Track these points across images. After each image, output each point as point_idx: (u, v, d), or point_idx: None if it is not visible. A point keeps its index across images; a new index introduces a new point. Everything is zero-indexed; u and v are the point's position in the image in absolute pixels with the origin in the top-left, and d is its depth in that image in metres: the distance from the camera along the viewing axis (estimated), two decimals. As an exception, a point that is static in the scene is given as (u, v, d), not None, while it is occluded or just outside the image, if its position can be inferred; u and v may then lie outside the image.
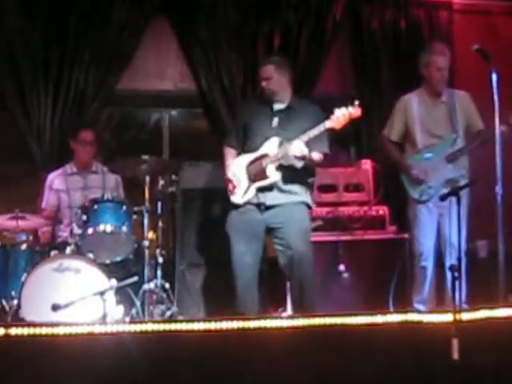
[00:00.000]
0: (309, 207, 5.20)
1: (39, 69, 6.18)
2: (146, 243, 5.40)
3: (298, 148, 4.90)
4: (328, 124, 4.90)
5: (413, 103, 5.42)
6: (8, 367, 3.59)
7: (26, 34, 6.14)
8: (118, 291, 4.88)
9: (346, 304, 5.53)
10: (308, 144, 4.92)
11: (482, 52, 4.74)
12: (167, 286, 5.44)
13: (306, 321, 3.93)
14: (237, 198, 5.14)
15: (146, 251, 5.40)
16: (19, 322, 4.64)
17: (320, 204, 5.83)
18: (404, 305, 5.36)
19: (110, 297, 4.78)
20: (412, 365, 3.78)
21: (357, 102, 4.90)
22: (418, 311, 4.78)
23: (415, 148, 5.40)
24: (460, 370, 3.68)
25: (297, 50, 6.61)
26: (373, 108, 6.45)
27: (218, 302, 5.49)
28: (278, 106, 5.20)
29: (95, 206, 5.27)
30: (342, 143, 6.57)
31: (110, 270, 5.06)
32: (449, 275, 4.54)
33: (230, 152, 5.31)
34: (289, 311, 5.44)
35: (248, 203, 5.10)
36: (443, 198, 4.47)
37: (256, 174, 5.08)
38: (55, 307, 4.75)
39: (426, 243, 5.33)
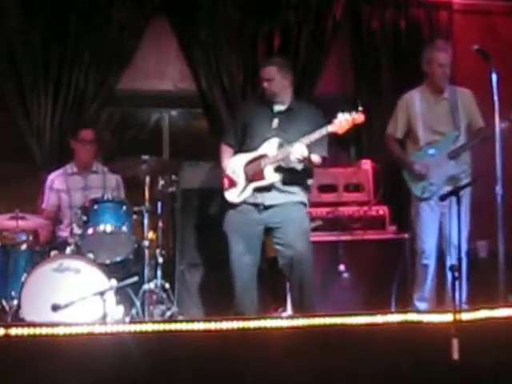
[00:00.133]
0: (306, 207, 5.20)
1: (39, 69, 6.17)
2: (146, 243, 5.40)
3: (299, 150, 4.91)
4: (331, 128, 4.92)
5: (415, 100, 5.43)
6: (8, 367, 3.59)
7: (25, 33, 6.14)
8: (118, 291, 4.88)
9: (345, 304, 5.53)
10: (308, 147, 4.93)
11: (482, 52, 4.74)
12: (167, 286, 5.44)
13: (306, 321, 3.94)
14: (233, 196, 5.14)
15: (146, 251, 5.39)
16: (19, 322, 4.63)
17: (320, 204, 5.84)
18: (405, 305, 5.36)
19: (110, 297, 4.78)
20: (412, 365, 3.79)
21: (360, 108, 4.91)
22: (418, 311, 4.79)
23: (417, 145, 5.41)
24: (460, 370, 3.68)
25: (297, 50, 6.60)
26: (373, 108, 6.44)
27: (218, 302, 5.48)
28: (278, 108, 5.20)
29: (95, 206, 5.27)
30: (342, 143, 6.57)
31: (110, 270, 5.06)
32: (449, 275, 4.54)
33: (227, 150, 5.31)
34: (289, 311, 5.44)
35: (245, 203, 5.10)
36: (443, 197, 4.47)
37: (254, 174, 5.09)
38: (55, 307, 4.74)
39: (427, 241, 5.33)
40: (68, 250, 5.15)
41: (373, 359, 3.78)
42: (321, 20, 6.67)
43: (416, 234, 5.42)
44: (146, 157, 5.44)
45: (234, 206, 5.14)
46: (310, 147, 4.95)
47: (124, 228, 5.25)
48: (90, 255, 5.08)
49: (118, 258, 5.27)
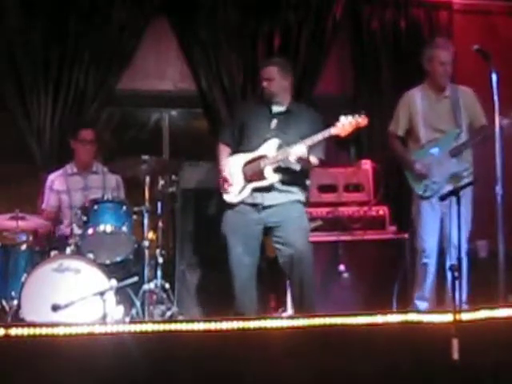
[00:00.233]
0: (304, 205, 5.21)
1: (39, 69, 6.18)
2: (146, 243, 5.40)
3: (299, 151, 4.91)
4: (333, 131, 4.93)
5: (416, 98, 5.43)
6: (8, 367, 3.59)
7: (26, 33, 6.14)
8: (118, 291, 4.88)
9: (345, 304, 5.53)
10: (307, 148, 4.94)
11: (482, 52, 4.74)
12: (167, 286, 5.44)
13: (306, 321, 3.94)
14: (230, 196, 5.13)
15: (146, 251, 5.39)
16: (19, 322, 4.63)
17: (320, 204, 5.84)
18: (405, 305, 5.36)
19: (110, 297, 4.78)
20: (412, 365, 3.79)
21: (364, 112, 4.94)
22: (418, 311, 4.79)
23: (418, 143, 5.41)
24: (460, 370, 3.68)
25: (297, 50, 6.60)
26: (373, 108, 6.44)
27: (218, 302, 5.48)
28: (277, 109, 5.20)
29: (95, 207, 5.27)
30: (342, 143, 6.55)
31: (110, 270, 5.06)
32: (449, 275, 4.54)
33: (224, 149, 5.30)
34: (289, 311, 5.44)
35: (243, 203, 5.10)
36: (443, 197, 4.47)
37: (253, 174, 5.08)
38: (55, 307, 4.74)
39: (428, 240, 5.33)
40: (68, 250, 5.15)
41: (373, 359, 3.78)
42: (321, 20, 6.67)
43: (417, 232, 5.42)
44: (146, 157, 5.44)
45: (231, 206, 5.14)
46: (309, 149, 4.95)
47: (124, 228, 5.25)
48: (90, 255, 5.08)
49: (118, 258, 5.27)
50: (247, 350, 3.77)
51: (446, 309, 4.09)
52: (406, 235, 5.72)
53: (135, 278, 4.97)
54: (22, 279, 4.91)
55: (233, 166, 5.16)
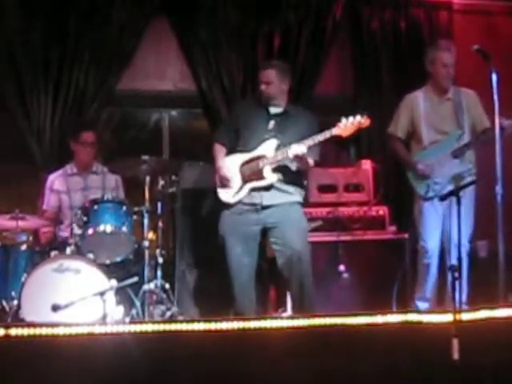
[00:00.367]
0: (302, 206, 5.22)
1: (39, 69, 6.18)
2: (146, 243, 5.40)
3: (299, 150, 4.91)
4: (335, 131, 4.93)
5: (419, 100, 5.44)
6: (8, 367, 3.59)
7: (25, 33, 6.14)
8: (118, 291, 4.88)
9: (345, 304, 5.53)
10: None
11: (482, 52, 4.74)
12: (167, 286, 5.44)
13: (306, 321, 3.93)
14: (227, 196, 5.13)
15: (146, 251, 5.39)
16: (19, 322, 4.63)
17: (320, 204, 5.84)
18: (405, 305, 5.36)
19: (110, 297, 4.77)
20: (412, 365, 3.78)
21: (366, 113, 4.94)
22: (418, 311, 4.79)
23: (421, 145, 5.41)
24: (460, 370, 3.68)
25: (297, 50, 6.61)
26: (373, 108, 6.44)
27: (218, 302, 5.48)
28: (274, 110, 5.20)
29: (95, 207, 5.26)
30: (342, 143, 6.56)
31: (110, 270, 5.06)
32: (449, 275, 4.54)
33: (220, 149, 5.29)
34: (289, 311, 5.43)
35: (240, 203, 5.10)
36: (443, 197, 4.47)
37: (251, 174, 5.08)
38: (55, 307, 4.74)
39: (430, 240, 5.33)
40: (68, 250, 5.14)
41: (373, 359, 3.78)
42: (321, 20, 6.67)
43: (418, 233, 5.42)
44: (146, 157, 5.43)
45: (228, 206, 5.13)
46: (308, 149, 4.95)
47: (124, 228, 5.25)
48: (90, 255, 5.08)
49: (118, 259, 5.27)
50: (247, 350, 3.77)
51: (445, 309, 4.09)
52: (406, 235, 5.72)
53: (135, 278, 4.96)
54: (22, 279, 4.91)
55: (230, 165, 5.15)
